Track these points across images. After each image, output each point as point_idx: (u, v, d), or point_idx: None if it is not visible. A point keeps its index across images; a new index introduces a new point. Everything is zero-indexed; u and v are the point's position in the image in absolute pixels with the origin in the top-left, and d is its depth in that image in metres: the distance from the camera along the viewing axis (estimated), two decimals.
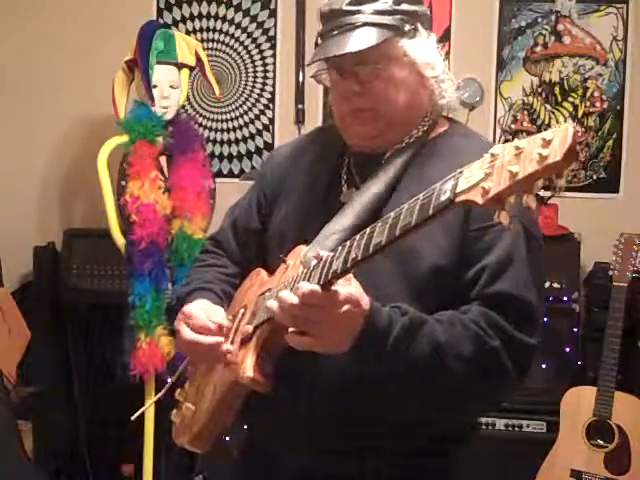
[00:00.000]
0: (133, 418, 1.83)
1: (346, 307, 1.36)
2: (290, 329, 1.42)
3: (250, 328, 1.56)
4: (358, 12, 1.56)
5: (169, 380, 2.88)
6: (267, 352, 1.53)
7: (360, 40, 1.54)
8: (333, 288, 1.35)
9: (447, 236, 1.52)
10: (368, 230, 1.33)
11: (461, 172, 1.19)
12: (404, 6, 1.58)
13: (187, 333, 1.61)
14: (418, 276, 1.53)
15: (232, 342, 1.60)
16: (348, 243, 1.36)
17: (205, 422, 1.64)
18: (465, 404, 1.55)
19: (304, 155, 1.78)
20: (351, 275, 1.38)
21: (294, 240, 1.63)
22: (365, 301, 1.40)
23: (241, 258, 1.82)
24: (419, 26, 1.60)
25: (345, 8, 1.57)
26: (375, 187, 1.59)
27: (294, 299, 1.36)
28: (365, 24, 1.55)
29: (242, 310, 1.64)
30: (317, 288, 1.35)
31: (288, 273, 1.56)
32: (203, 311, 1.63)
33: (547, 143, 1.08)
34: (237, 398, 1.60)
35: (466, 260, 1.51)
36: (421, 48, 1.60)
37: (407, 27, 1.58)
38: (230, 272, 1.81)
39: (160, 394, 1.80)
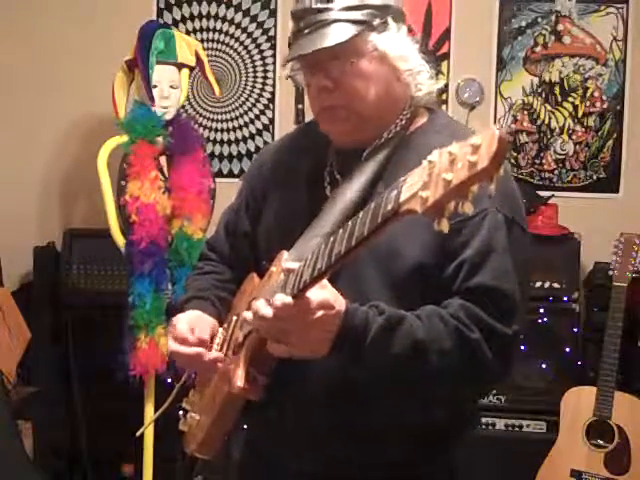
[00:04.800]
0: (138, 434, 1.85)
1: (320, 313, 1.38)
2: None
3: (240, 337, 1.57)
4: (328, 9, 1.56)
5: (169, 380, 2.88)
6: (258, 360, 1.54)
7: (330, 37, 1.55)
8: (306, 295, 1.36)
9: (429, 232, 1.48)
10: (331, 239, 1.34)
11: (404, 180, 1.20)
12: (373, 0, 1.58)
13: (170, 343, 1.66)
14: (402, 276, 1.53)
15: (226, 350, 1.62)
16: (315, 251, 1.37)
17: (208, 429, 1.66)
18: (449, 396, 1.58)
19: (290, 154, 1.78)
20: (325, 281, 1.39)
21: (280, 243, 1.64)
22: (339, 302, 1.41)
23: (236, 262, 1.82)
24: (389, 20, 1.60)
25: (315, 6, 1.57)
26: (354, 187, 1.59)
27: (268, 313, 1.38)
28: (335, 21, 1.56)
29: (235, 318, 1.66)
30: (289, 301, 1.36)
31: (272, 280, 1.57)
32: (187, 322, 1.66)
33: (475, 149, 1.07)
34: (235, 405, 1.62)
35: (447, 255, 1.52)
36: (392, 42, 1.59)
37: (377, 21, 1.58)
38: (226, 278, 1.82)
39: (166, 403, 1.79)
